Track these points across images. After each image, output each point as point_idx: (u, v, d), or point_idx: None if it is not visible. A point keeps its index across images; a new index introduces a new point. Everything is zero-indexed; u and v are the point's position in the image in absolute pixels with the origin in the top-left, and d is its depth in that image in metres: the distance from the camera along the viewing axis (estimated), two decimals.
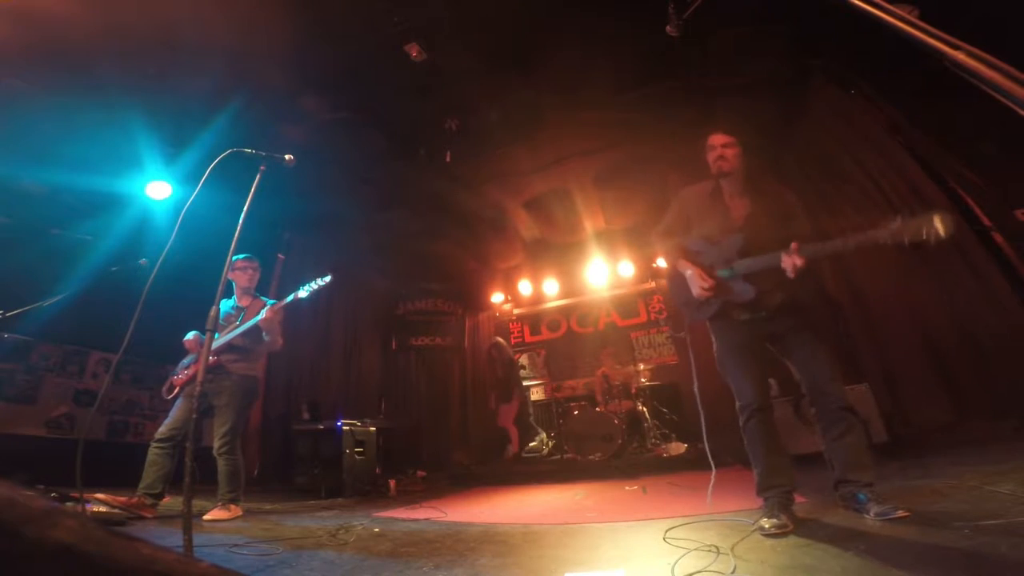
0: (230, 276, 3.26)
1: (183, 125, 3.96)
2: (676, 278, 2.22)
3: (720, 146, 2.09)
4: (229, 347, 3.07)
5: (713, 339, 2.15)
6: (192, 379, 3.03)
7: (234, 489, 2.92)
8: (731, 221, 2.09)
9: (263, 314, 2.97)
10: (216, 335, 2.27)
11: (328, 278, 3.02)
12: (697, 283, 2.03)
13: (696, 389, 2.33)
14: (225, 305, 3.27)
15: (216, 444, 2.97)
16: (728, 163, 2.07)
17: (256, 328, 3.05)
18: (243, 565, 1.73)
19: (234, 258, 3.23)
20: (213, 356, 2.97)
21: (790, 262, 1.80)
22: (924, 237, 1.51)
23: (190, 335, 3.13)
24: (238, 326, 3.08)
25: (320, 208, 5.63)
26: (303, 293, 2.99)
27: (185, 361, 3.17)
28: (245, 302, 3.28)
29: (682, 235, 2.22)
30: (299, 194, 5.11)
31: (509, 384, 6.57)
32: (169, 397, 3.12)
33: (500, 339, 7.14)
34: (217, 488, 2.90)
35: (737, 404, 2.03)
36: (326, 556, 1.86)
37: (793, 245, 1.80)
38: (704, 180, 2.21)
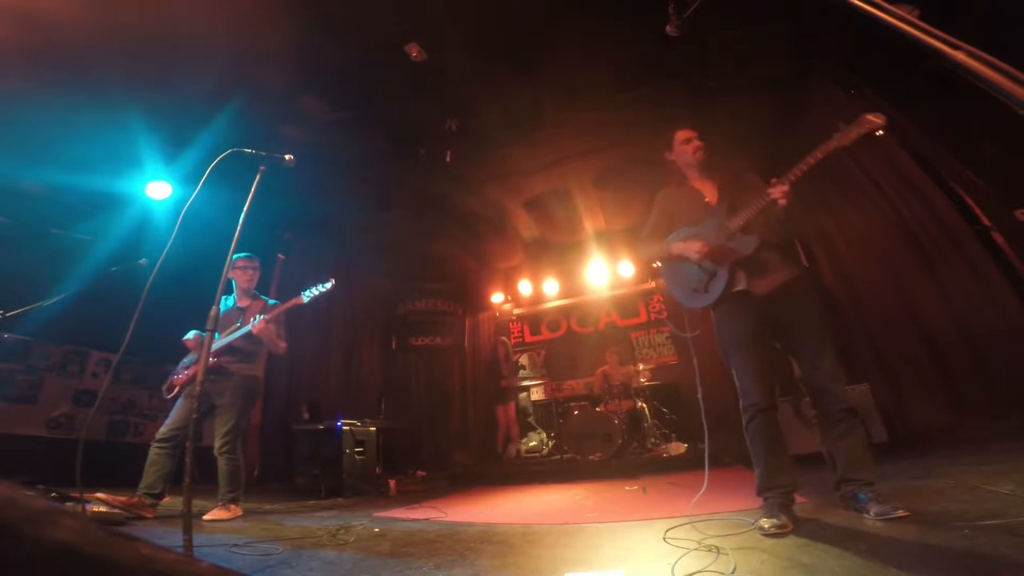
0: (230, 275, 3.25)
1: (183, 125, 3.95)
2: (673, 271, 2.26)
3: (696, 138, 2.27)
4: (229, 349, 3.07)
5: (716, 329, 2.15)
6: (193, 379, 3.02)
7: (234, 489, 2.92)
8: (707, 199, 2.23)
9: (256, 322, 2.96)
10: (216, 335, 2.27)
11: (330, 284, 3.01)
12: (692, 249, 2.07)
13: (700, 396, 2.32)
14: (225, 304, 3.27)
15: (217, 443, 2.97)
16: (697, 153, 2.25)
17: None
18: (243, 565, 1.73)
19: (234, 257, 3.24)
20: (213, 357, 2.96)
21: (778, 191, 1.90)
22: (866, 132, 1.70)
23: (190, 334, 3.13)
24: (237, 329, 3.07)
25: (320, 208, 5.63)
26: (304, 299, 2.99)
27: (186, 361, 3.16)
28: (245, 302, 3.28)
29: (668, 232, 2.29)
30: (299, 194, 5.11)
31: (511, 383, 6.62)
32: (169, 397, 3.11)
33: (504, 338, 7.23)
34: (217, 488, 2.90)
35: (741, 403, 2.02)
36: (326, 556, 1.86)
37: (772, 180, 1.93)
38: (668, 183, 2.40)
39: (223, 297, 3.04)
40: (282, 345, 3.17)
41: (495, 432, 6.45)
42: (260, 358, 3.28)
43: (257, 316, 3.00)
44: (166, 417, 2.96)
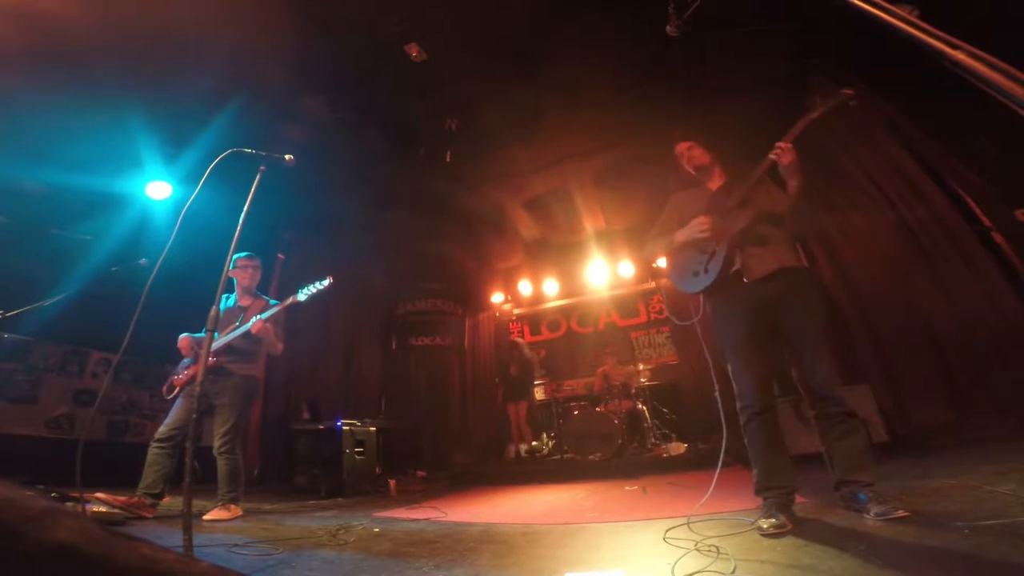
0: (231, 274, 3.25)
1: (183, 125, 3.96)
2: (676, 262, 2.30)
3: (686, 150, 2.36)
4: (228, 349, 3.06)
5: (715, 326, 2.15)
6: (192, 379, 3.02)
7: (234, 489, 2.91)
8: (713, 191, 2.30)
9: (254, 322, 2.96)
10: (216, 335, 2.27)
11: (327, 281, 2.99)
12: (695, 227, 2.13)
13: (717, 392, 2.31)
14: (226, 303, 3.27)
15: (216, 443, 2.96)
16: (697, 159, 2.32)
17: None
18: (243, 565, 1.73)
19: (235, 256, 3.24)
20: (212, 357, 2.96)
21: (780, 150, 2.00)
22: (841, 101, 1.90)
23: (182, 337, 3.12)
24: (236, 327, 3.07)
25: (320, 208, 5.63)
26: (301, 297, 2.98)
27: (185, 361, 3.16)
28: (246, 302, 3.28)
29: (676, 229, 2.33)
30: (299, 194, 5.11)
31: (523, 383, 6.60)
32: (169, 397, 3.11)
33: (520, 340, 7.33)
34: (217, 488, 2.90)
35: (737, 404, 2.02)
36: (326, 556, 1.86)
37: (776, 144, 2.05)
38: (687, 187, 2.46)
39: (224, 295, 3.06)
40: (279, 346, 3.17)
41: (507, 429, 6.44)
42: (259, 358, 3.28)
43: (256, 316, 3.00)
44: (166, 417, 2.96)
